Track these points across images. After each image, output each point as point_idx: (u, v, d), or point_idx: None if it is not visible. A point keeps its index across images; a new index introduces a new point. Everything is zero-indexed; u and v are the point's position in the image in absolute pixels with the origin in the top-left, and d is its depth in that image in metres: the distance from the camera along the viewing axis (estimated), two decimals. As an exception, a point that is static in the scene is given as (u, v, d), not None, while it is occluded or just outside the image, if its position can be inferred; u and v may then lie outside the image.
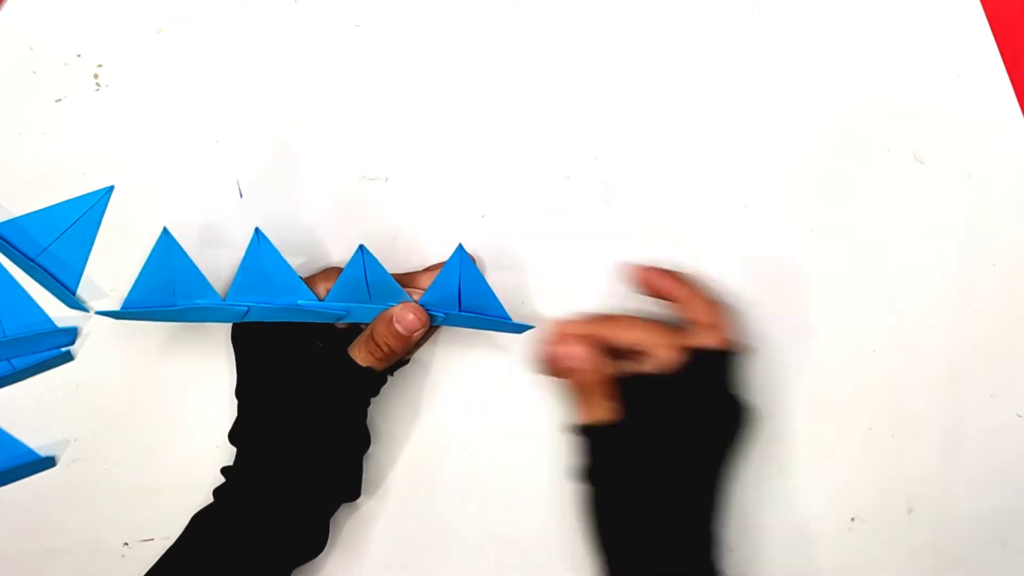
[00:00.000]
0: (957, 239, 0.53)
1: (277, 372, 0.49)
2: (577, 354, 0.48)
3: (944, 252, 0.53)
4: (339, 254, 0.52)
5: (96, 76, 0.50)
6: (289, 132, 0.51)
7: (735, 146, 0.52)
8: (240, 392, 0.50)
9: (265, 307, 0.48)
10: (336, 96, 0.51)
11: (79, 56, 0.50)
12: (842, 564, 0.55)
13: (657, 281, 0.50)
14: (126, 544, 0.55)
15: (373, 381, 0.50)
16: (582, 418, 0.48)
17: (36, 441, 0.53)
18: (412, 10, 0.50)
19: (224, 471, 0.50)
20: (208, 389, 0.53)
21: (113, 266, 0.52)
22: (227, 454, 0.51)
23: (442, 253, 0.51)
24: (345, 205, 0.52)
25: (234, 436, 0.50)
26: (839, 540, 0.55)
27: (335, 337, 0.50)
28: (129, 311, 0.48)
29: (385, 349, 0.48)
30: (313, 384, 0.49)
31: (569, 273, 0.53)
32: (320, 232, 0.52)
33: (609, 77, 0.51)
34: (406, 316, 0.47)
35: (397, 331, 0.47)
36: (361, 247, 0.47)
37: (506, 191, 0.52)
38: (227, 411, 0.51)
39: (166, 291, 0.48)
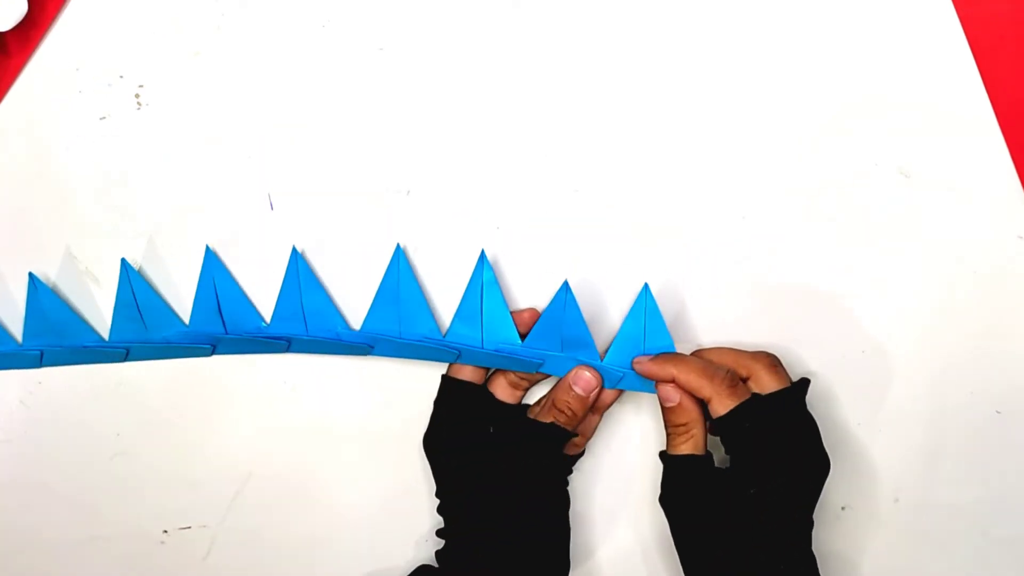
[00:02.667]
0: (939, 247, 0.53)
1: (473, 460, 0.51)
2: (667, 394, 0.50)
3: (928, 259, 0.53)
4: (363, 261, 0.54)
5: (137, 96, 0.51)
6: (317, 148, 0.53)
7: (733, 154, 0.52)
8: (441, 493, 0.53)
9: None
10: (361, 115, 0.52)
11: (121, 77, 0.51)
12: (832, 549, 0.56)
13: (654, 370, 0.50)
14: (165, 532, 0.57)
15: (561, 439, 0.51)
16: (670, 448, 0.50)
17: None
18: (432, 35, 0.51)
19: (440, 533, 0.53)
20: (241, 387, 0.55)
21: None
22: (258, 452, 0.53)
23: (458, 263, 0.53)
24: (369, 216, 0.53)
25: (443, 510, 0.53)
26: (830, 527, 0.56)
27: (503, 419, 0.52)
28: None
29: (568, 413, 0.50)
30: (511, 454, 0.51)
31: (587, 282, 0.54)
32: (345, 241, 0.54)
33: (614, 94, 0.52)
34: (582, 375, 0.50)
35: (576, 393, 0.50)
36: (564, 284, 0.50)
37: (518, 203, 0.53)
38: (260, 409, 0.54)
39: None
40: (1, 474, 0.56)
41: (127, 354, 0.52)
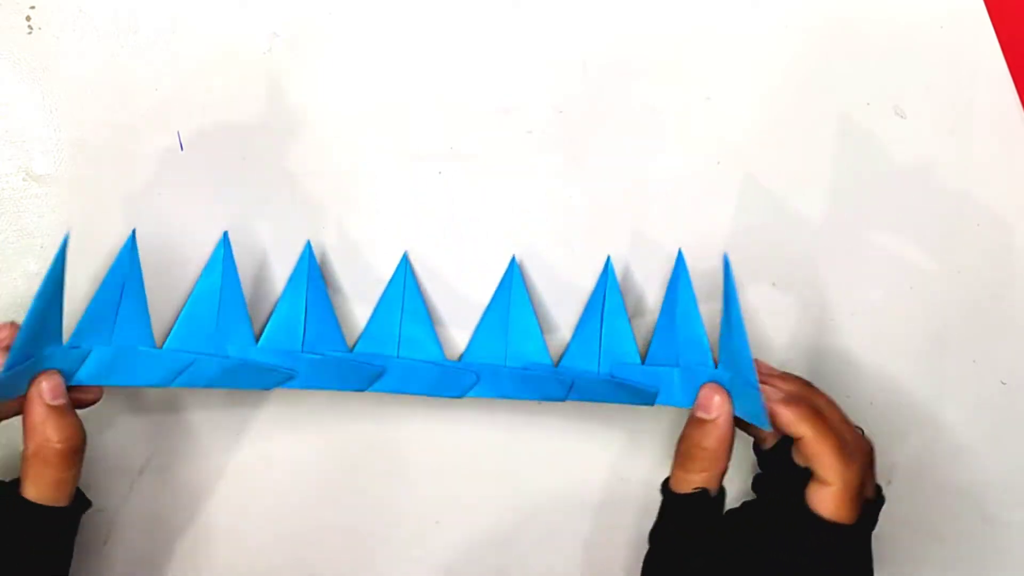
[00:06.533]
0: (939, 199, 0.51)
1: None
2: (710, 404, 0.43)
3: (926, 212, 0.51)
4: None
5: (28, 19, 0.48)
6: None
7: (711, 100, 0.50)
8: None
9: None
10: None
11: None
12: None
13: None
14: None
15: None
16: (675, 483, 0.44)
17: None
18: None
19: None
20: None
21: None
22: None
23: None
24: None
25: None
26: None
27: None
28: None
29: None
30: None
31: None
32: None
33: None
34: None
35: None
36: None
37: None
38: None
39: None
40: None
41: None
